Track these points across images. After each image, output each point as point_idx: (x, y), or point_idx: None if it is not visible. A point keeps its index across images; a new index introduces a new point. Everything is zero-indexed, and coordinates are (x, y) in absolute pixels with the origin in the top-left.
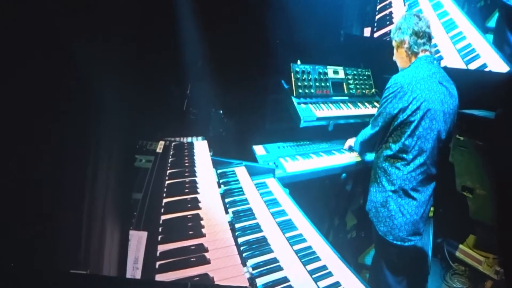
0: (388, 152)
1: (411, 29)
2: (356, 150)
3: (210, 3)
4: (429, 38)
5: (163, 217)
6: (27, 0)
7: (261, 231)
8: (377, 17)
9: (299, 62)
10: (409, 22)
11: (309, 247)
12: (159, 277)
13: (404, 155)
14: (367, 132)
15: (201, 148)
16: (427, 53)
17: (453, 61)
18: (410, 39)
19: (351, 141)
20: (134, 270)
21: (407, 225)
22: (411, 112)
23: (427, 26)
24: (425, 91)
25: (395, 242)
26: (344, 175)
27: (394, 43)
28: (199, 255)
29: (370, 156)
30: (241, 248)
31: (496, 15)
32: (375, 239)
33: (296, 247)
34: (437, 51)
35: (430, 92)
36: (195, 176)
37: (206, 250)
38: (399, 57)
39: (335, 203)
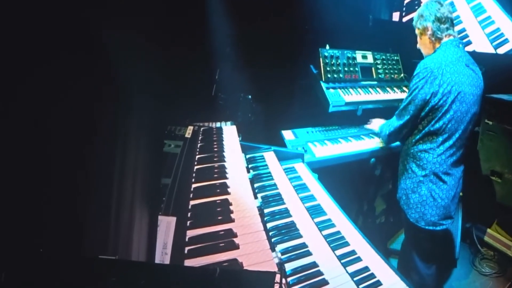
0: (417, 137)
1: (433, 16)
2: (382, 141)
3: None
4: (452, 22)
5: (192, 202)
6: None
7: (290, 216)
8: (405, 1)
9: (327, 47)
10: (431, 9)
11: (338, 232)
12: (188, 262)
13: (434, 138)
14: (394, 124)
15: (230, 133)
16: (451, 38)
17: (482, 45)
18: (433, 25)
19: (377, 122)
20: (163, 255)
21: (439, 209)
22: (442, 96)
23: (449, 12)
24: (454, 74)
25: (427, 227)
26: (373, 159)
27: (417, 31)
28: (228, 240)
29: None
30: (270, 233)
31: None
32: (406, 226)
33: (325, 232)
34: (466, 36)
35: (459, 75)
36: (224, 161)
37: (235, 235)
38: (423, 45)
39: (364, 188)
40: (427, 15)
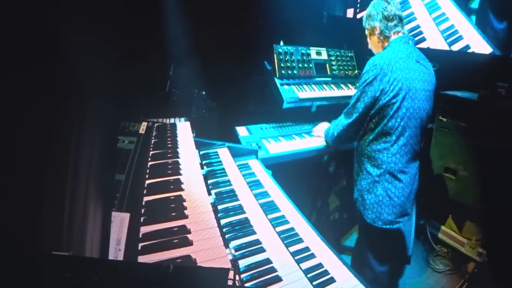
0: (370, 137)
1: (380, 14)
2: (328, 143)
3: None
4: (400, 19)
5: (145, 198)
6: None
7: (243, 212)
8: None
9: (281, 43)
10: (378, 8)
11: (292, 229)
12: (141, 259)
13: (388, 137)
14: (342, 122)
15: (184, 129)
16: (400, 34)
17: (436, 42)
18: (380, 24)
19: (323, 126)
20: (116, 252)
21: (395, 208)
22: (392, 93)
23: (396, 9)
24: (404, 70)
25: (383, 226)
26: (326, 156)
27: (366, 32)
28: (181, 237)
29: None
30: (224, 230)
31: None
32: (361, 225)
33: (279, 228)
34: (420, 32)
35: (409, 71)
36: (178, 158)
37: (189, 232)
38: (373, 44)
39: (318, 185)
40: (374, 15)
